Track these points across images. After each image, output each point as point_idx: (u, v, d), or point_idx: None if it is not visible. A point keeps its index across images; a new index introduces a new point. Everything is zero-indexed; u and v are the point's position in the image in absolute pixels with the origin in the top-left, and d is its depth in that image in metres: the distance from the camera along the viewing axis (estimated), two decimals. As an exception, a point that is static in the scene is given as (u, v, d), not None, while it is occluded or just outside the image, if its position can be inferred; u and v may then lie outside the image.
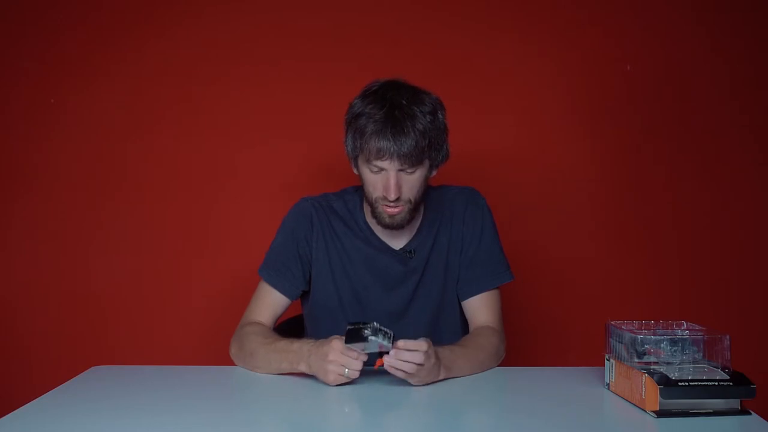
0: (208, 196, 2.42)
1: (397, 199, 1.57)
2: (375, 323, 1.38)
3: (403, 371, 1.39)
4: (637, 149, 2.43)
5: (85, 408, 1.33)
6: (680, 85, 2.43)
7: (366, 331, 1.36)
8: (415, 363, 1.38)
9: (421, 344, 1.39)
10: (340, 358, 1.40)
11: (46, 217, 2.41)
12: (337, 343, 1.40)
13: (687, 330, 1.41)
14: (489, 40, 2.41)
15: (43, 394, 1.39)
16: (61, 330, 2.41)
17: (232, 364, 1.63)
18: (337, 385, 1.42)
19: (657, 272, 2.44)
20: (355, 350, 1.39)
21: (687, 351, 1.35)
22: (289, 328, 1.82)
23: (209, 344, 2.37)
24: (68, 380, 1.50)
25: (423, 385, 1.43)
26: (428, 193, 1.73)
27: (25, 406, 1.32)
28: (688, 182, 2.43)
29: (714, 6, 2.43)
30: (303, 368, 1.46)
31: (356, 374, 1.41)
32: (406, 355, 1.38)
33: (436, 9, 2.41)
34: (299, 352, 1.47)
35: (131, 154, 2.41)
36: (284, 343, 1.53)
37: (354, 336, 1.37)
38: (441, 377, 1.46)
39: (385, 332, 1.38)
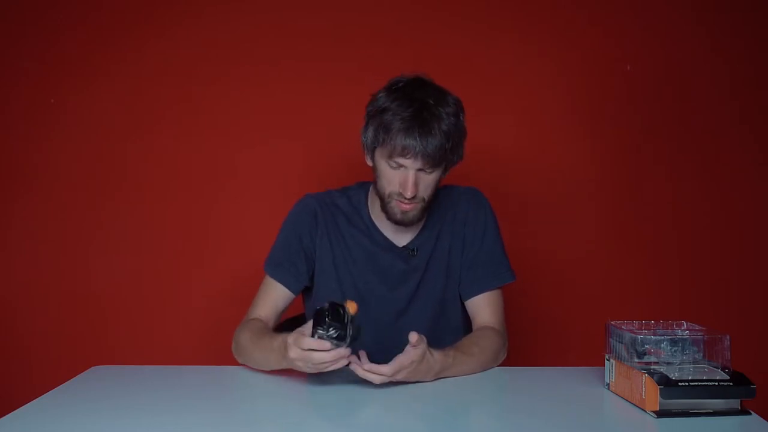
0: (208, 196, 2.42)
1: (413, 197, 1.58)
2: (343, 313, 1.30)
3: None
4: (637, 149, 2.43)
5: (85, 408, 1.33)
6: (680, 85, 2.43)
7: (320, 330, 1.30)
8: (381, 375, 1.38)
9: (384, 369, 1.38)
10: (300, 354, 1.36)
11: (46, 217, 2.41)
12: (292, 342, 1.36)
13: (687, 330, 1.41)
14: (489, 40, 2.41)
15: (43, 394, 1.39)
16: (61, 330, 2.41)
17: (232, 363, 1.63)
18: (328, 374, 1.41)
19: (657, 272, 2.44)
20: (317, 340, 1.32)
21: (687, 351, 1.35)
22: (290, 328, 1.82)
23: (209, 344, 2.37)
24: (68, 380, 1.50)
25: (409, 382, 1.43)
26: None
27: (25, 406, 1.32)
28: (688, 182, 2.43)
29: (714, 6, 2.43)
30: (285, 365, 1.44)
31: (325, 366, 1.36)
32: (369, 375, 1.38)
33: (436, 9, 2.41)
34: (279, 350, 1.45)
35: (131, 154, 2.41)
36: (267, 340, 1.52)
37: (315, 322, 1.31)
38: (429, 379, 1.47)
39: (341, 332, 1.30)
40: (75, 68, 2.40)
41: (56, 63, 2.40)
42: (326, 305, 1.32)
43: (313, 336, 1.32)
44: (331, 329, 1.30)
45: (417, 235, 1.72)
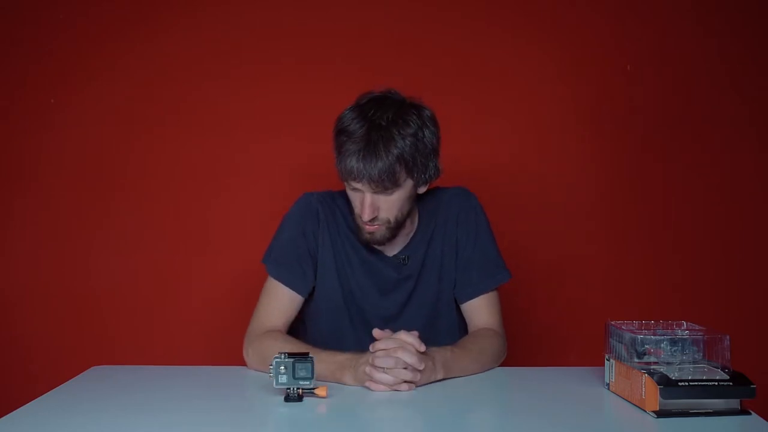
0: (209, 196, 2.42)
1: (374, 219, 1.55)
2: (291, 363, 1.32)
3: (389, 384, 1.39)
4: (637, 149, 2.43)
5: (85, 408, 1.33)
6: (680, 84, 2.43)
7: (281, 376, 1.32)
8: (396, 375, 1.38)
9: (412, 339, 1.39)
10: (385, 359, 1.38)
11: (46, 217, 2.41)
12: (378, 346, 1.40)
13: (687, 330, 1.41)
14: (489, 40, 2.41)
15: (43, 394, 1.39)
16: (61, 330, 2.41)
17: (233, 363, 1.63)
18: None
19: (657, 272, 2.44)
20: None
21: (687, 351, 1.35)
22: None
23: (209, 344, 2.37)
24: (68, 380, 1.50)
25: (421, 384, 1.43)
26: (421, 198, 1.70)
27: (25, 406, 1.32)
28: (688, 182, 2.43)
29: (714, 6, 2.43)
30: (347, 378, 1.43)
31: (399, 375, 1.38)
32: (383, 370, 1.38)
33: (437, 8, 2.41)
34: (344, 362, 1.44)
35: (131, 154, 2.40)
36: (326, 354, 1.46)
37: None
38: (440, 377, 1.46)
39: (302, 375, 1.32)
40: (75, 68, 2.40)
41: (56, 63, 2.40)
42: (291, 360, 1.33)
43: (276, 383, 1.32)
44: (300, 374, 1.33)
45: (408, 244, 1.70)
